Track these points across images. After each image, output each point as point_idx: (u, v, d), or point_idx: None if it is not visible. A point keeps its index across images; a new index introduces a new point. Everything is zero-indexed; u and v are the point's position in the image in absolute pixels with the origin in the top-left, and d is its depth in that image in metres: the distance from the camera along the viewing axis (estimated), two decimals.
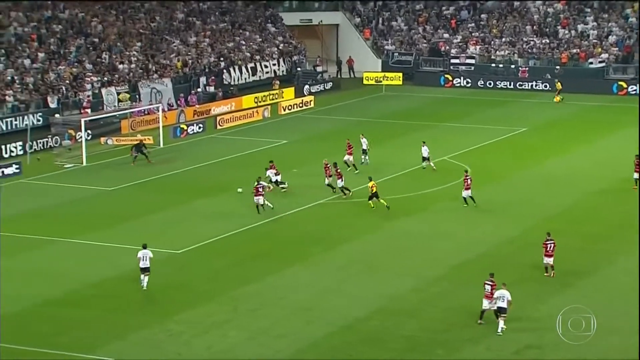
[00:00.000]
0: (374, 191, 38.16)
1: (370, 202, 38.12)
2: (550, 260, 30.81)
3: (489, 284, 26.88)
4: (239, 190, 40.23)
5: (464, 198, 38.46)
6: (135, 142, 47.20)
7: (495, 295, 26.58)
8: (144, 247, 30.00)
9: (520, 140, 52.78)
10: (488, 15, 76.80)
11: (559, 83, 64.56)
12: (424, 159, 44.58)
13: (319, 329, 26.88)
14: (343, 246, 34.30)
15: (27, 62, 56.53)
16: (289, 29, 76.46)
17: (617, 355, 25.35)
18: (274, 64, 70.47)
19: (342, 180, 39.99)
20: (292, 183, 42.26)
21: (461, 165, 45.89)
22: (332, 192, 40.39)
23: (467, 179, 38.52)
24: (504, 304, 26.42)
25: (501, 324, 26.34)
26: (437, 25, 77.30)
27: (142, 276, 29.82)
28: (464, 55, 72.75)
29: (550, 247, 30.74)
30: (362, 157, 45.89)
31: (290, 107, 61.98)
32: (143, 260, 29.68)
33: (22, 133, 49.94)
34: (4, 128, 51.34)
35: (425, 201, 39.95)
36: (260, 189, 37.72)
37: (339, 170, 40.32)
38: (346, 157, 44.35)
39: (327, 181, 40.69)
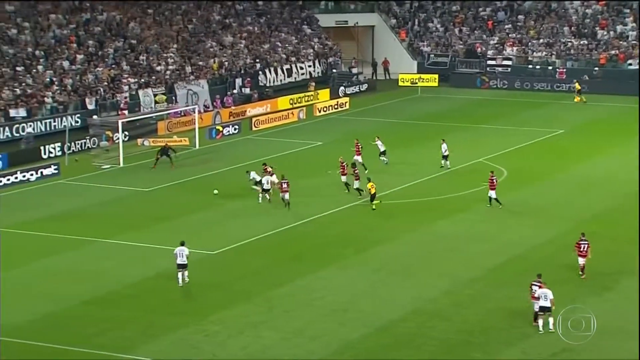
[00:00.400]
0: (372, 192, 38.28)
1: (372, 203, 38.38)
2: (583, 261, 30.68)
3: (536, 285, 26.82)
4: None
5: (490, 198, 38.51)
6: (162, 145, 47.53)
7: (536, 294, 26.55)
8: (182, 244, 30.39)
9: (557, 142, 52.45)
10: (525, 17, 76.34)
11: (577, 83, 64.59)
12: (443, 156, 44.90)
13: (354, 331, 26.97)
14: (377, 248, 34.35)
15: (66, 63, 57.29)
16: (324, 31, 76.66)
17: None
18: (310, 66, 70.70)
19: (358, 181, 40.20)
20: (326, 184, 42.45)
21: (497, 167, 45.76)
22: (346, 192, 40.58)
23: (493, 179, 38.52)
24: (547, 303, 26.39)
25: (551, 321, 26.30)
26: (474, 26, 77.02)
27: (178, 273, 30.19)
28: (500, 56, 72.42)
29: (583, 248, 30.64)
30: (381, 157, 46.06)
31: (325, 109, 62.14)
32: (180, 257, 30.12)
33: (60, 134, 50.58)
34: (43, 129, 52.06)
35: (461, 203, 39.86)
36: (285, 186, 38.25)
37: (356, 171, 40.64)
38: (355, 158, 44.61)
39: (343, 179, 41.08)
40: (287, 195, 38.49)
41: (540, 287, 26.76)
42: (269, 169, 40.60)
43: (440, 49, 75.39)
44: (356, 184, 40.32)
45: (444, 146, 45.09)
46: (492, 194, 38.56)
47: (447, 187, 42.48)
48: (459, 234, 36.08)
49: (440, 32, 77.40)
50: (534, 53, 72.17)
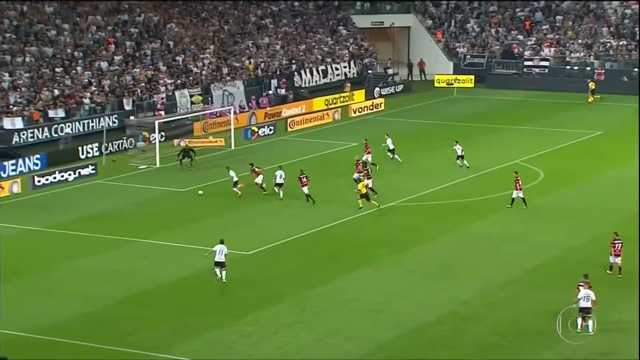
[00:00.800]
0: (364, 192, 38.18)
1: (359, 201, 38.26)
2: (617, 260, 30.60)
3: (582, 286, 26.61)
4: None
5: (513, 199, 38.40)
6: (184, 147, 47.75)
7: (579, 296, 26.35)
8: (221, 242, 30.71)
9: (594, 143, 51.92)
10: (563, 17, 75.64)
11: (591, 83, 64.54)
12: (458, 157, 45.02)
13: (388, 332, 26.91)
14: (412, 249, 34.25)
15: (104, 64, 57.85)
16: (360, 32, 76.60)
17: None
18: (345, 67, 70.70)
19: (370, 180, 40.21)
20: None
21: (533, 169, 45.41)
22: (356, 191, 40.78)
23: (518, 180, 38.35)
24: (588, 304, 26.18)
25: (590, 324, 26.11)
26: (511, 27, 76.48)
27: (216, 270, 30.59)
28: (537, 57, 71.83)
29: (618, 247, 30.57)
30: (391, 155, 46.16)
31: (360, 110, 62.09)
32: (219, 254, 30.50)
33: (98, 135, 51.11)
34: (81, 130, 52.61)
35: (496, 204, 39.58)
36: (304, 179, 39.15)
37: (368, 170, 40.88)
38: (365, 157, 44.74)
39: (355, 175, 41.44)
40: (306, 189, 39.37)
41: (584, 288, 26.54)
42: (257, 170, 41.23)
43: (476, 49, 74.98)
44: (369, 183, 40.23)
45: (458, 147, 45.13)
46: (518, 194, 38.43)
47: (482, 188, 42.22)
48: (495, 235, 35.85)
49: (476, 32, 76.97)
50: (572, 54, 71.49)
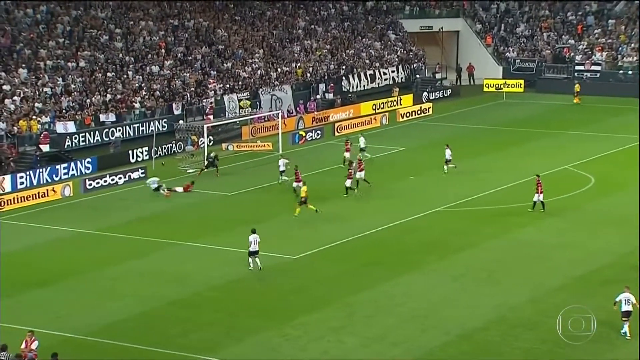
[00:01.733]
0: (303, 197, 37.87)
1: (298, 208, 37.91)
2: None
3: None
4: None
5: (534, 202, 38.09)
6: (210, 155, 47.71)
7: (618, 298, 26.04)
8: (253, 232, 31.89)
9: None
10: (616, 21, 74.51)
11: (577, 85, 64.73)
12: (447, 161, 45.04)
13: (435, 338, 26.71)
14: (459, 255, 33.98)
15: (155, 69, 58.45)
16: (409, 36, 76.33)
17: None
18: (393, 71, 70.51)
19: (351, 179, 41.27)
20: (409, 189, 42.18)
21: (584, 175, 44.79)
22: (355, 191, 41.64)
23: (540, 183, 38.17)
24: (629, 307, 25.76)
25: (625, 327, 25.76)
26: (562, 31, 75.56)
27: (249, 259, 31.78)
28: (589, 61, 70.86)
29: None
30: (361, 154, 46.53)
31: (408, 114, 61.85)
32: (254, 244, 31.76)
33: (148, 138, 51.65)
34: (132, 134, 53.19)
35: (546, 210, 39.09)
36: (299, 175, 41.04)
37: (350, 169, 41.83)
38: (346, 154, 46.77)
39: (359, 175, 42.26)
40: (362, 174, 41.64)
41: (626, 291, 26.28)
42: (298, 173, 41.68)
43: (526, 54, 74.21)
44: (360, 175, 41.77)
45: (448, 151, 45.02)
46: (539, 197, 38.20)
47: (531, 193, 41.69)
48: (545, 241, 35.41)
49: (526, 37, 76.19)
50: (624, 58, 70.36)
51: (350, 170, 41.99)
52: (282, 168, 44.04)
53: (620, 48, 71.51)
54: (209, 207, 41.38)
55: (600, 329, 26.26)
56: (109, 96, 54.21)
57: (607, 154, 49.80)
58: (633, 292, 26.51)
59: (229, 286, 31.21)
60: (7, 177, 43.78)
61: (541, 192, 38.20)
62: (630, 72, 68.85)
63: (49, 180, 45.05)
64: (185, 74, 59.02)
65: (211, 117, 55.50)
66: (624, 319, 26.02)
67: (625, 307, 25.89)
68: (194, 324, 27.92)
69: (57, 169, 46.18)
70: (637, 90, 66.99)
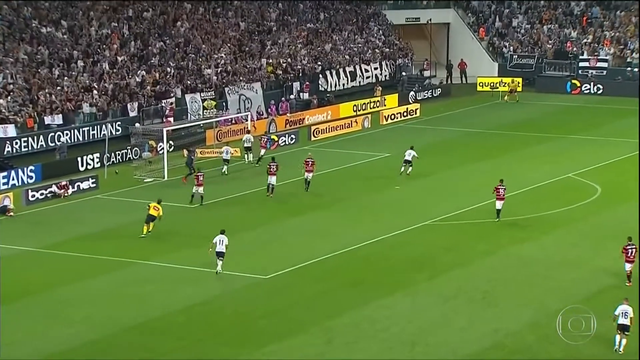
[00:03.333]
0: (151, 214, 38.16)
1: (145, 226, 38.37)
2: (630, 267, 31.79)
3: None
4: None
5: (497, 211, 39.13)
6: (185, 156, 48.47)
7: (616, 312, 26.73)
8: (222, 233, 33.68)
9: None
10: (624, 13, 75.51)
11: (515, 83, 67.62)
12: (406, 161, 45.99)
13: None
14: (451, 273, 34.39)
15: (106, 65, 58.44)
16: (393, 29, 76.93)
17: None
18: (376, 68, 71.06)
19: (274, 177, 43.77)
20: (395, 200, 42.61)
21: (589, 184, 45.42)
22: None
23: (500, 189, 39.10)
24: (626, 321, 26.47)
25: (623, 342, 26.49)
26: (564, 23, 76.44)
27: (218, 261, 33.15)
28: (594, 57, 71.82)
29: (631, 253, 31.78)
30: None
31: (393, 117, 62.42)
32: (220, 244, 33.18)
33: (99, 144, 51.67)
34: (81, 138, 53.15)
35: (548, 223, 39.65)
36: (274, 169, 43.81)
37: (272, 167, 44.04)
38: (262, 151, 50.55)
39: (308, 176, 44.65)
40: (274, 179, 43.76)
41: (624, 303, 27.19)
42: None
43: (524, 49, 75.07)
44: (271, 179, 43.83)
45: (411, 152, 46.13)
46: (499, 204, 39.00)
47: (532, 205, 42.31)
48: (546, 258, 35.92)
49: (525, 30, 77.05)
50: (634, 54, 71.37)
51: (269, 166, 44.07)
52: (247, 145, 47.82)
53: (629, 43, 72.47)
54: (172, 220, 41.49)
55: (606, 357, 26.73)
56: (54, 96, 54.22)
57: (615, 160, 50.49)
58: (632, 305, 27.23)
59: (194, 309, 31.39)
60: None
61: (500, 199, 38.98)
62: (636, 70, 69.76)
63: None
64: (141, 71, 59.14)
65: (171, 119, 55.67)
66: (618, 331, 26.67)
67: (622, 320, 26.61)
68: (155, 353, 28.09)
69: None
70: None
